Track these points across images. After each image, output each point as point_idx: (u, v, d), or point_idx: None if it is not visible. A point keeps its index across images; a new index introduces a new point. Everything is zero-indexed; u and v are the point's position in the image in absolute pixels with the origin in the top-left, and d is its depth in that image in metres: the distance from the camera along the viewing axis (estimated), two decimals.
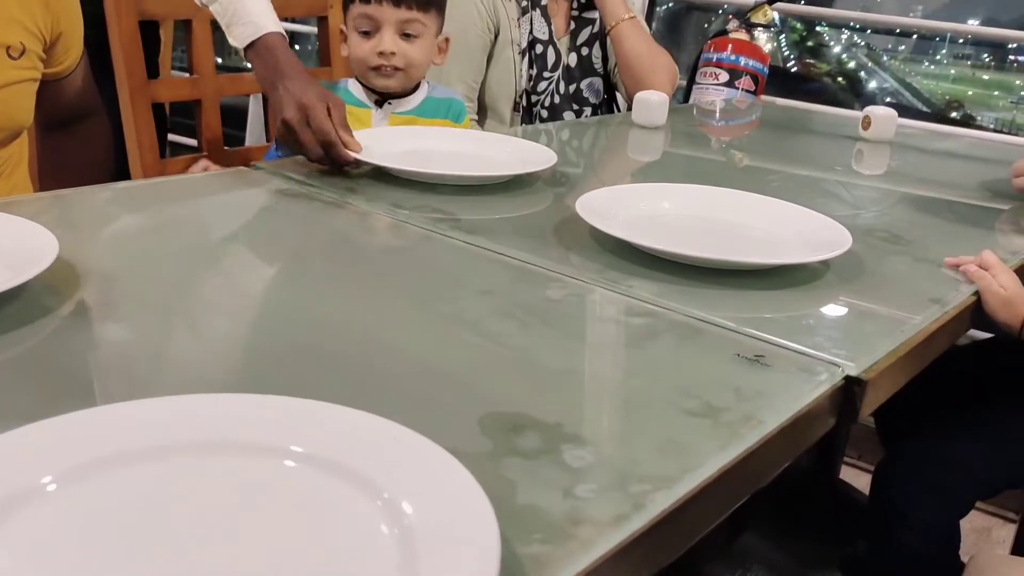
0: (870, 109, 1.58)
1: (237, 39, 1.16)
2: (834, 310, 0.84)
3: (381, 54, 1.33)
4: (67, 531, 0.43)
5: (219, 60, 1.69)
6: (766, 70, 1.96)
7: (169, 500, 0.46)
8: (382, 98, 1.39)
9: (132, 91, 1.39)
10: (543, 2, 1.76)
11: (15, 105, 1.07)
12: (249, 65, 1.18)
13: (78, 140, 1.27)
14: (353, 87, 1.39)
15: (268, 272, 0.86)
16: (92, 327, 0.68)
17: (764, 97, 2.00)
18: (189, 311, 0.74)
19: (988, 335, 1.37)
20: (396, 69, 1.35)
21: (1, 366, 0.61)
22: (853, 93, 4.67)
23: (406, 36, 1.34)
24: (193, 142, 1.58)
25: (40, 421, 0.48)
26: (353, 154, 1.09)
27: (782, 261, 0.89)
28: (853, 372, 0.71)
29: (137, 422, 0.50)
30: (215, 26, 1.49)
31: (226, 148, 1.53)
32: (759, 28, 2.02)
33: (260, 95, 2.28)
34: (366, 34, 1.34)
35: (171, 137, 2.28)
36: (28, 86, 1.09)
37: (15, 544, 0.42)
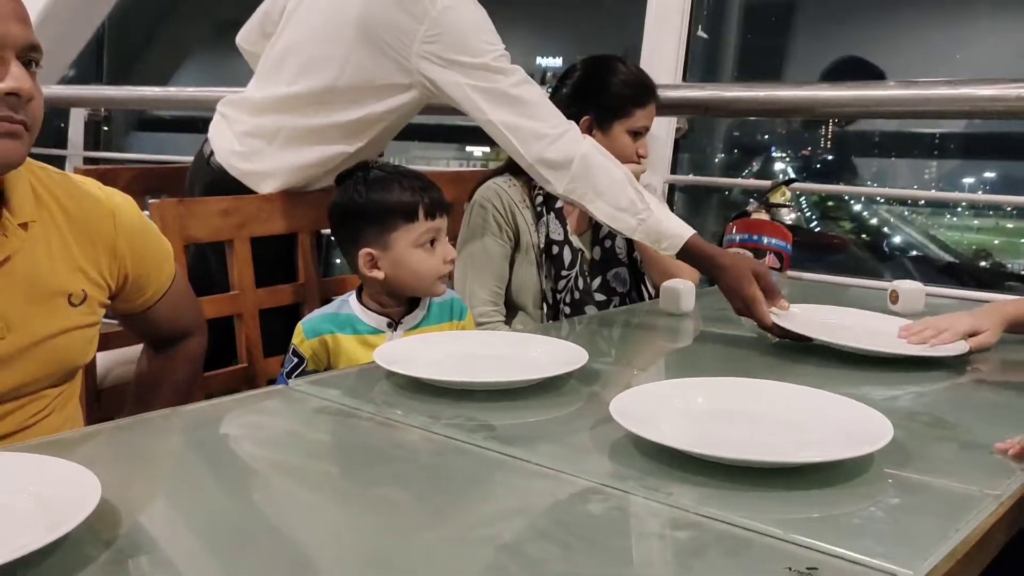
0: (897, 284, 1.59)
1: (669, 250, 1.53)
2: (883, 507, 0.82)
3: (448, 262, 1.43)
4: None
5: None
6: (789, 247, 2.00)
7: None
8: (393, 320, 1.43)
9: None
10: (557, 205, 1.84)
11: (72, 349, 1.11)
12: None
13: (176, 360, 1.33)
14: (361, 313, 1.43)
15: (306, 499, 0.86)
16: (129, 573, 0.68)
17: (790, 273, 2.03)
18: (226, 549, 0.74)
19: None
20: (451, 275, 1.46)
21: None
22: (878, 252, 4.72)
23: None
24: None
25: None
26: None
27: (825, 458, 0.87)
28: None
29: None
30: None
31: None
32: (779, 207, 2.07)
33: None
34: (431, 246, 1.41)
35: None
36: (87, 331, 1.13)
37: None
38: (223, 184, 1.66)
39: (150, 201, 1.51)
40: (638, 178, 1.84)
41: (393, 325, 1.43)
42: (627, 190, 1.57)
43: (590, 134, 1.80)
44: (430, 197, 1.42)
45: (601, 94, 1.86)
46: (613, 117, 1.84)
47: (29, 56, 1.00)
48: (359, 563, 0.71)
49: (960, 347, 1.28)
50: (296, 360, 1.41)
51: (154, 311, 1.26)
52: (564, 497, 0.83)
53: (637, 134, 1.86)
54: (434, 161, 4.89)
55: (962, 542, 0.75)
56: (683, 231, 1.53)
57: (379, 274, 1.40)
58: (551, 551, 0.72)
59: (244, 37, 1.91)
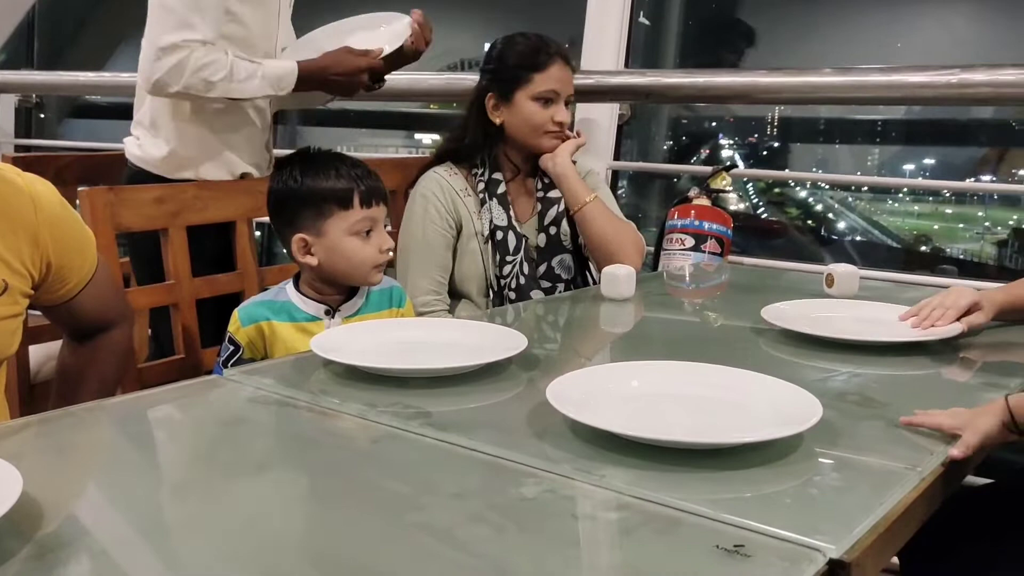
0: (832, 267, 1.62)
1: (287, 87, 1.73)
2: (810, 485, 0.83)
3: (384, 251, 1.42)
4: None
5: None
6: (730, 232, 2.03)
7: None
8: (331, 307, 1.42)
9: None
10: (499, 191, 1.83)
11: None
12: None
13: (101, 351, 1.29)
14: (298, 300, 1.42)
15: (234, 489, 0.85)
16: (54, 569, 0.66)
17: (731, 258, 2.06)
18: (152, 541, 0.73)
19: (987, 480, 1.36)
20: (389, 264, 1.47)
21: None
22: (821, 238, 4.80)
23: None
24: None
25: None
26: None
27: (755, 439, 0.89)
28: (835, 555, 0.69)
29: None
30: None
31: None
32: (719, 192, 2.10)
33: None
34: (367, 235, 1.39)
35: None
36: (11, 322, 1.10)
37: None
38: (139, 178, 1.66)
39: (79, 189, 1.47)
40: (576, 152, 1.87)
41: (331, 312, 1.42)
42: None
43: (496, 111, 1.82)
44: (367, 185, 1.40)
45: (499, 68, 1.87)
46: (513, 87, 1.84)
47: None
48: (292, 551, 0.70)
49: (954, 329, 1.29)
50: (232, 348, 1.39)
51: (77, 301, 1.22)
52: (498, 482, 0.83)
53: (547, 100, 1.84)
54: (382, 148, 4.85)
55: (884, 517, 0.76)
56: (292, 64, 1.76)
57: (312, 260, 1.39)
58: (484, 534, 0.72)
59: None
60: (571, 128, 1.93)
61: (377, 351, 1.18)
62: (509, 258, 1.82)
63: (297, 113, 3.80)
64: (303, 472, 0.89)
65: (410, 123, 4.79)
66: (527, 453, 0.88)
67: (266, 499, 0.82)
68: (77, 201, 1.49)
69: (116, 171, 1.81)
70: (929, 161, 4.45)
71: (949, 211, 4.80)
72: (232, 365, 1.37)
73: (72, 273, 1.19)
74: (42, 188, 1.15)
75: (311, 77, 1.76)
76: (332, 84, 1.80)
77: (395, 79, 1.98)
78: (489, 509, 0.77)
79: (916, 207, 4.84)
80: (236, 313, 1.40)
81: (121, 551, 0.70)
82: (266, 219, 1.71)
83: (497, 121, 1.85)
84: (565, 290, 1.90)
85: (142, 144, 1.78)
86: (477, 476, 0.85)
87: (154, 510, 0.78)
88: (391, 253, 1.45)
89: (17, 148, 3.48)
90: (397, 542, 0.71)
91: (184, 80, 1.63)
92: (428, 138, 4.82)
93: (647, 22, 2.95)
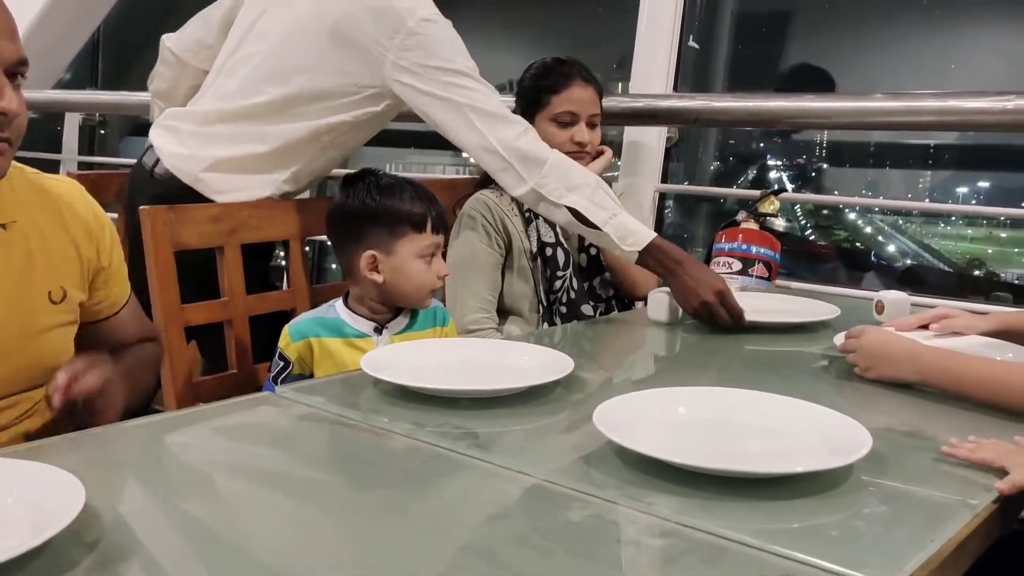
0: (883, 294, 1.60)
1: (632, 247, 1.60)
2: (858, 518, 0.83)
3: (441, 278, 1.46)
4: None
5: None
6: (778, 256, 2.01)
7: None
8: (379, 325, 1.45)
9: (167, 319, 1.46)
10: None
11: (53, 348, 1.12)
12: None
13: (133, 355, 1.30)
14: (348, 317, 1.45)
15: (289, 505, 0.87)
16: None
17: (778, 282, 2.04)
18: (208, 553, 0.75)
19: None
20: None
21: None
22: (871, 262, 4.73)
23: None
24: None
25: None
26: None
27: (803, 469, 0.88)
28: None
29: None
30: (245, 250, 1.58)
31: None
32: (768, 216, 2.08)
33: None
34: (430, 259, 1.45)
35: None
36: (67, 330, 1.14)
37: None
38: (173, 193, 1.65)
39: (140, 208, 1.52)
40: (603, 172, 1.88)
41: (379, 330, 1.44)
42: (601, 187, 1.65)
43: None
44: (437, 212, 1.46)
45: (521, 91, 1.90)
46: (535, 109, 1.86)
47: (16, 70, 1.01)
48: (340, 568, 0.71)
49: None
50: (282, 364, 1.42)
51: (118, 318, 1.26)
52: (545, 504, 0.84)
53: (565, 123, 1.85)
54: (430, 167, 4.89)
55: (936, 552, 0.76)
56: (647, 230, 1.62)
57: (378, 277, 1.42)
58: (529, 556, 0.73)
59: (182, 45, 1.92)
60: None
61: (426, 371, 1.19)
62: (559, 273, 1.84)
63: None
64: (352, 490, 0.90)
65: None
66: (573, 477, 0.88)
67: (316, 516, 0.83)
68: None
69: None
70: (983, 184, 4.37)
71: (1004, 235, 4.71)
72: (282, 381, 1.39)
73: (113, 290, 1.24)
74: (98, 208, 1.22)
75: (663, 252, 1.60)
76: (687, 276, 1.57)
77: None
78: (534, 532, 0.78)
79: (969, 231, 4.75)
80: (286, 329, 1.43)
81: (176, 564, 0.72)
82: (318, 238, 1.75)
83: None
84: (606, 310, 1.90)
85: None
86: (523, 498, 0.86)
87: (208, 524, 0.80)
88: (444, 281, 1.49)
89: (80, 165, 3.58)
90: (443, 562, 0.72)
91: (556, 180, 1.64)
92: None
93: (696, 46, 2.96)
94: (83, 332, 1.21)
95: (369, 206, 1.44)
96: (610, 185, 1.88)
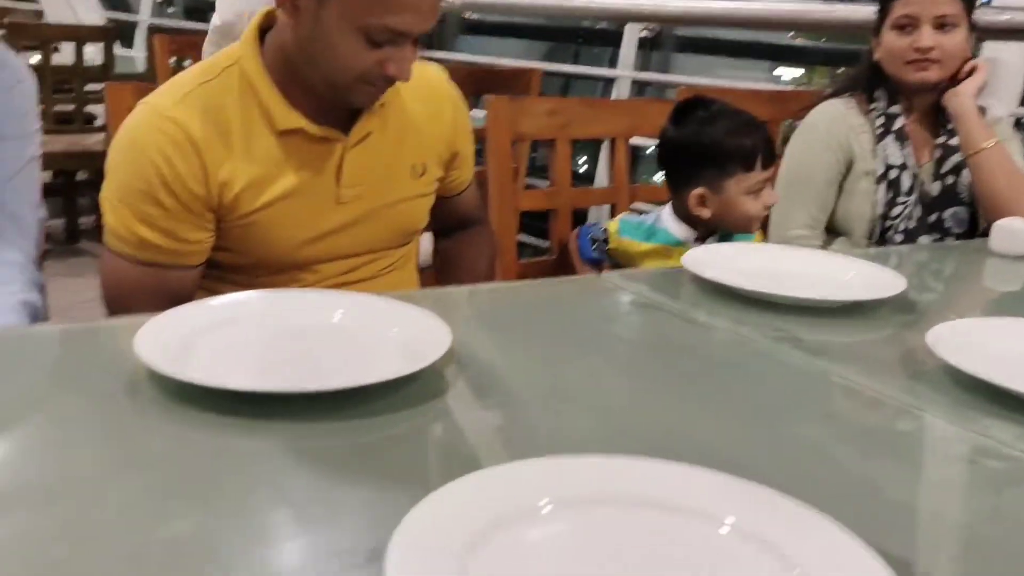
0: None
1: None
2: None
3: (768, 207, 1.48)
4: (552, 543, 0.55)
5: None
6: None
7: (613, 543, 0.55)
8: (701, 236, 1.47)
9: (502, 202, 1.58)
10: (896, 126, 1.73)
11: (413, 216, 1.27)
12: None
13: (470, 244, 1.46)
14: (672, 225, 1.49)
15: (607, 380, 0.93)
16: (474, 410, 0.79)
17: None
18: (549, 403, 0.83)
19: None
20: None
21: (401, 438, 0.73)
22: None
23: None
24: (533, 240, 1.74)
25: (531, 460, 0.61)
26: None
27: None
28: None
29: (584, 474, 0.61)
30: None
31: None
32: None
33: (604, 206, 2.43)
34: (758, 193, 1.46)
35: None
36: (425, 200, 1.28)
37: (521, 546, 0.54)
38: None
39: (485, 97, 1.63)
40: (978, 93, 1.72)
41: (700, 240, 1.49)
42: None
43: (876, 44, 1.75)
44: (767, 145, 1.47)
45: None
46: (881, 18, 1.75)
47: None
48: (661, 442, 0.77)
49: None
50: (604, 244, 1.52)
51: (463, 196, 1.39)
52: (871, 412, 0.83)
53: (905, 26, 1.71)
54: (739, 81, 4.70)
55: None
56: None
57: (705, 213, 1.46)
58: (853, 454, 0.74)
59: None
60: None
61: (748, 273, 1.20)
62: (901, 199, 1.73)
63: (670, 37, 3.80)
64: (672, 374, 0.94)
65: (773, 55, 4.55)
66: (901, 391, 0.87)
67: (638, 394, 0.89)
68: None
69: (504, 83, 1.97)
70: None
71: None
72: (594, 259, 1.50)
73: (463, 170, 1.36)
74: (456, 92, 1.34)
75: None
76: None
77: (774, 7, 1.93)
78: (861, 434, 0.78)
79: None
80: (616, 223, 1.51)
81: (523, 405, 0.81)
82: (637, 140, 1.79)
83: (876, 56, 1.76)
84: None
85: None
86: (848, 403, 0.86)
87: (542, 379, 0.89)
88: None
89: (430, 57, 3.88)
90: (765, 446, 0.75)
91: None
92: (790, 74, 4.56)
93: None
94: (434, 205, 1.36)
95: (698, 142, 1.46)
96: (983, 113, 1.74)
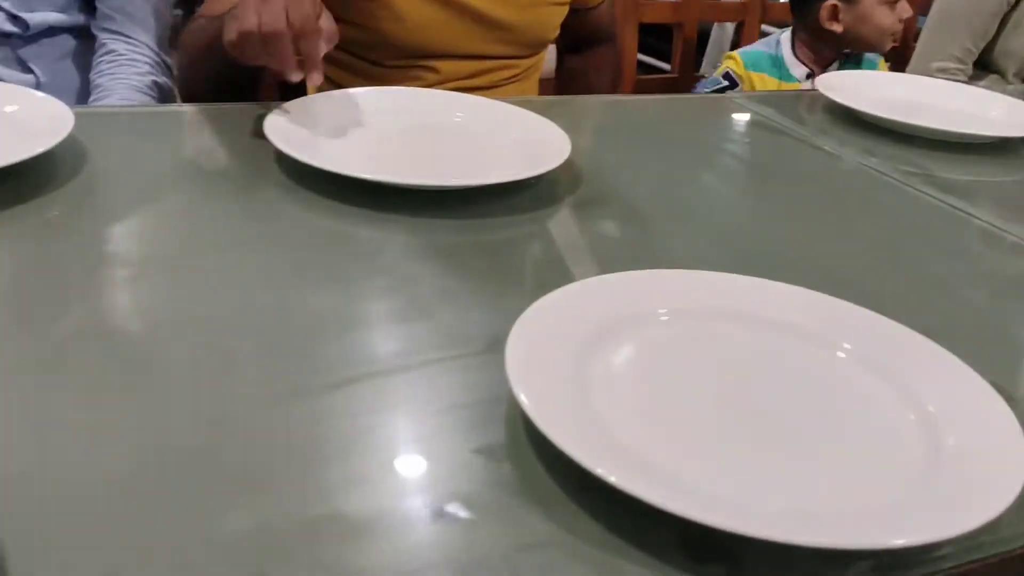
0: None
1: None
2: None
3: (903, 20, 1.41)
4: (670, 347, 0.56)
5: None
6: None
7: (730, 355, 0.56)
8: (813, 73, 1.41)
9: (624, 12, 1.51)
10: None
11: (545, 23, 1.20)
12: None
13: (595, 58, 1.40)
14: (791, 61, 1.44)
15: (735, 196, 0.91)
16: (592, 219, 0.78)
17: None
18: (668, 219, 0.82)
19: None
20: None
21: (519, 240, 0.73)
22: None
23: None
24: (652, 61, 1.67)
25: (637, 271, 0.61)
26: None
27: None
28: None
29: (699, 287, 0.61)
30: None
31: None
32: None
33: (726, 24, 2.30)
34: (893, 4, 1.39)
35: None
36: (559, 10, 1.21)
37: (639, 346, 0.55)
38: None
39: None
40: None
41: (810, 76, 1.43)
42: None
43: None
44: None
45: None
46: None
47: None
48: (790, 258, 0.75)
49: None
50: (726, 84, 1.45)
51: (597, 11, 1.32)
52: (999, 253, 0.80)
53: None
54: None
55: None
56: None
57: (838, 27, 1.39)
58: (982, 298, 0.71)
59: None
60: None
61: (882, 102, 1.14)
62: None
63: None
64: (794, 200, 0.91)
65: None
66: None
67: (759, 216, 0.87)
68: None
69: None
70: None
71: None
72: None
73: None
74: None
75: None
76: None
77: None
78: (991, 275, 0.75)
79: None
80: (739, 56, 1.44)
81: (639, 217, 0.80)
82: None
83: None
84: None
85: None
86: (977, 242, 0.82)
87: (662, 194, 0.87)
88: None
89: None
90: (893, 280, 0.73)
91: None
92: None
93: None
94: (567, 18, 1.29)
95: None
96: None
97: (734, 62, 1.45)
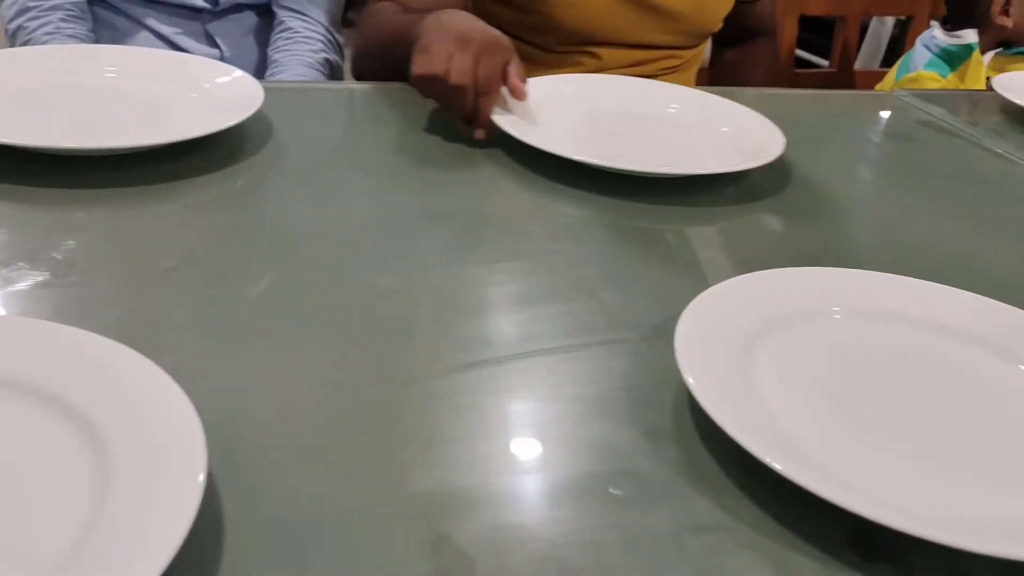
0: None
1: None
2: None
3: None
4: (841, 345, 0.55)
5: None
6: None
7: (904, 360, 0.55)
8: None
9: (786, 5, 1.47)
10: None
11: (714, 13, 1.18)
12: None
13: (753, 53, 1.38)
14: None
15: (905, 198, 0.88)
16: (755, 213, 0.78)
17: None
18: (835, 216, 0.80)
19: None
20: None
21: (690, 232, 0.74)
22: None
23: None
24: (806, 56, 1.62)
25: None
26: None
27: None
28: None
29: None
30: None
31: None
32: None
33: (886, 18, 2.21)
34: None
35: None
36: (724, 1, 1.20)
37: (809, 341, 0.54)
38: None
39: None
40: None
41: None
42: None
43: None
44: None
45: None
46: None
47: None
48: (945, 265, 0.73)
49: None
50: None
51: (759, 4, 1.30)
52: None
53: None
54: None
55: None
56: None
57: (1008, 21, 1.33)
58: None
59: None
60: None
61: None
62: None
63: None
64: (968, 204, 0.87)
65: None
66: None
67: (930, 219, 0.84)
68: None
69: None
70: None
71: None
72: None
73: None
74: None
75: None
76: None
77: None
78: None
79: None
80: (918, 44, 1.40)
81: (822, 220, 0.79)
82: None
83: None
84: None
85: None
86: None
87: (829, 192, 0.85)
88: None
89: None
90: None
91: None
92: None
93: None
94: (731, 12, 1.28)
95: None
96: None
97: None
